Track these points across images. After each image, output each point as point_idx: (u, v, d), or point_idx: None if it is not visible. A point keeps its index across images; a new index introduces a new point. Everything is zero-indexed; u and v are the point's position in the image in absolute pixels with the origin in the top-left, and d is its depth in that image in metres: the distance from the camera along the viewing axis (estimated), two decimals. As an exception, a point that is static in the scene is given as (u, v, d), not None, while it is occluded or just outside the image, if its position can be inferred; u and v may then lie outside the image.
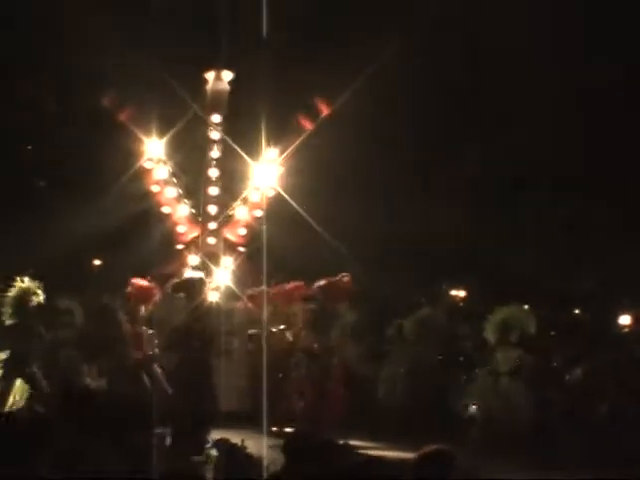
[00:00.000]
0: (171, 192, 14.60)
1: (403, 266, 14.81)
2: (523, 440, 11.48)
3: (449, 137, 17.85)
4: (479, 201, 17.71)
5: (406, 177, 18.02)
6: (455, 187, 17.85)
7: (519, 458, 10.94)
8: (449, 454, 5.58)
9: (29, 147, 18.86)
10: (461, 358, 13.68)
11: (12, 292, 11.79)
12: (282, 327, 13.12)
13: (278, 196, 14.71)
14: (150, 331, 12.53)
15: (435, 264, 16.72)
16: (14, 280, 11.84)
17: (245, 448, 7.58)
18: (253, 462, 6.36)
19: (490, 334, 12.34)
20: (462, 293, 15.69)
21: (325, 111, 14.88)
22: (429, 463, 5.51)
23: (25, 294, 11.81)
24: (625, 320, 14.77)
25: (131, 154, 14.44)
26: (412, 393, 13.14)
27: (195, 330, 11.21)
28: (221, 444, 7.02)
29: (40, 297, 11.90)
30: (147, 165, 14.44)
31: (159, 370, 11.85)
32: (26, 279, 11.90)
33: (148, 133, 14.33)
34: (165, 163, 14.51)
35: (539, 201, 17.29)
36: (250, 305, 13.62)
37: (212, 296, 13.80)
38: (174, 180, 14.66)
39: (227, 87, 14.82)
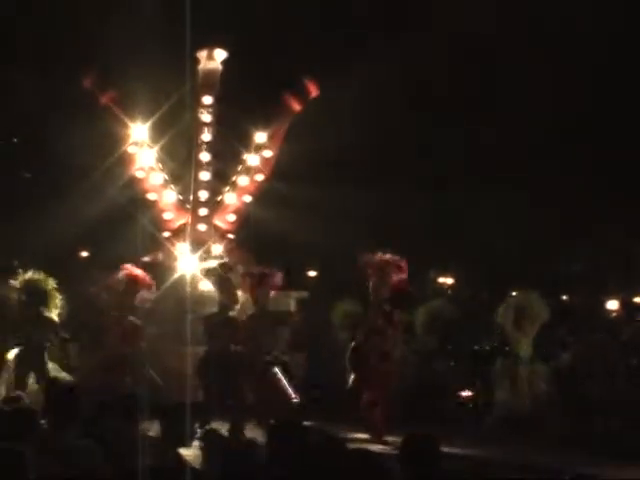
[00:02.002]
0: (157, 178, 14.11)
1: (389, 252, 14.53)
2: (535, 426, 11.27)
3: (436, 122, 17.53)
4: (465, 186, 17.43)
5: (393, 162, 17.72)
6: (441, 173, 17.59)
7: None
8: (433, 440, 5.42)
9: (14, 140, 18.35)
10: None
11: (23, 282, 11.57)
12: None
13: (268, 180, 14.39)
14: (138, 322, 12.14)
15: (421, 251, 16.46)
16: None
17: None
18: (241, 452, 5.95)
19: (506, 320, 12.03)
20: (450, 280, 15.40)
21: (315, 93, 14.48)
22: (412, 450, 5.38)
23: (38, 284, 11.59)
24: (613, 305, 14.58)
25: (115, 139, 13.98)
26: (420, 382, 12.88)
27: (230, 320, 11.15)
28: (210, 435, 6.68)
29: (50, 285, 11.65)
30: (131, 150, 13.95)
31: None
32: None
33: (133, 116, 13.86)
34: (150, 147, 14.02)
35: (525, 185, 17.01)
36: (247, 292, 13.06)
37: (204, 285, 13.44)
38: (160, 165, 14.18)
39: (219, 67, 14.16)
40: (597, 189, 17.08)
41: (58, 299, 11.85)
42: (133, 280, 12.05)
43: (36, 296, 11.62)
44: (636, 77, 16.65)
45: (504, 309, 12.20)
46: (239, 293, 12.46)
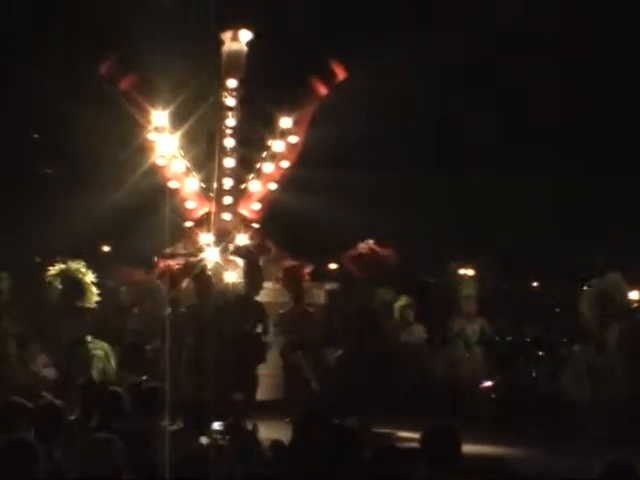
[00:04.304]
0: (178, 165, 13.65)
1: (410, 244, 14.11)
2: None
3: (458, 115, 17.13)
4: (486, 177, 17.02)
5: (419, 150, 17.31)
6: (465, 161, 17.19)
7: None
8: (453, 432, 5.31)
9: (35, 135, 17.96)
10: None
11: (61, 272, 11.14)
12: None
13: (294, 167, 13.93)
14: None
15: (441, 242, 16.07)
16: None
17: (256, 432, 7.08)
18: (261, 445, 6.16)
19: (586, 307, 11.45)
20: (470, 272, 15.09)
21: (342, 76, 14.01)
22: (434, 442, 5.26)
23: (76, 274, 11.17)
24: (634, 295, 14.19)
25: (135, 126, 13.54)
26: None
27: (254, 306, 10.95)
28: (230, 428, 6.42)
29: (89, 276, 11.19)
30: (152, 137, 13.48)
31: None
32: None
33: (153, 102, 13.41)
34: (171, 134, 13.55)
35: (547, 176, 16.60)
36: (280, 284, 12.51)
37: (230, 277, 13.00)
38: (181, 152, 13.71)
39: (244, 49, 13.74)
40: (617, 181, 16.65)
41: (94, 293, 11.42)
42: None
43: (73, 288, 11.16)
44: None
45: (587, 296, 11.59)
46: (272, 284, 12.40)
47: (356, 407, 10.61)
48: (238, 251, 12.02)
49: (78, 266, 11.23)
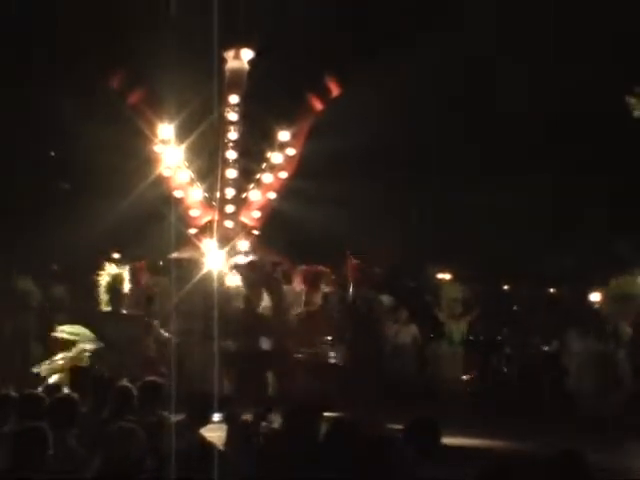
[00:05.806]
0: (183, 176, 14.32)
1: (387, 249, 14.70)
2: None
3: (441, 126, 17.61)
4: (458, 184, 17.54)
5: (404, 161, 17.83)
6: (442, 169, 17.72)
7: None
8: (433, 424, 5.62)
9: (52, 154, 18.50)
10: None
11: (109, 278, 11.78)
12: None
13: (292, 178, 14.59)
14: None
15: (418, 247, 16.65)
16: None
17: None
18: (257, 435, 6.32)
19: (605, 305, 12.06)
20: (447, 276, 15.71)
21: (336, 92, 14.66)
22: (415, 433, 5.55)
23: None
24: (595, 297, 14.81)
25: (143, 138, 14.20)
26: None
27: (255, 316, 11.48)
28: (231, 417, 6.88)
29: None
30: (158, 149, 14.17)
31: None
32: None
33: (160, 116, 14.07)
34: (177, 146, 14.22)
35: (516, 183, 17.10)
36: (301, 285, 13.18)
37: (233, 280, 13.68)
38: (186, 164, 14.40)
39: (246, 67, 14.39)
40: (582, 186, 17.15)
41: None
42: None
43: (117, 293, 11.94)
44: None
45: (608, 297, 12.17)
46: (285, 289, 13.00)
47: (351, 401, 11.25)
48: (237, 268, 12.63)
49: (120, 272, 12.01)
